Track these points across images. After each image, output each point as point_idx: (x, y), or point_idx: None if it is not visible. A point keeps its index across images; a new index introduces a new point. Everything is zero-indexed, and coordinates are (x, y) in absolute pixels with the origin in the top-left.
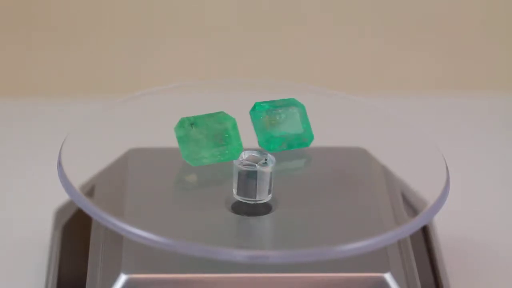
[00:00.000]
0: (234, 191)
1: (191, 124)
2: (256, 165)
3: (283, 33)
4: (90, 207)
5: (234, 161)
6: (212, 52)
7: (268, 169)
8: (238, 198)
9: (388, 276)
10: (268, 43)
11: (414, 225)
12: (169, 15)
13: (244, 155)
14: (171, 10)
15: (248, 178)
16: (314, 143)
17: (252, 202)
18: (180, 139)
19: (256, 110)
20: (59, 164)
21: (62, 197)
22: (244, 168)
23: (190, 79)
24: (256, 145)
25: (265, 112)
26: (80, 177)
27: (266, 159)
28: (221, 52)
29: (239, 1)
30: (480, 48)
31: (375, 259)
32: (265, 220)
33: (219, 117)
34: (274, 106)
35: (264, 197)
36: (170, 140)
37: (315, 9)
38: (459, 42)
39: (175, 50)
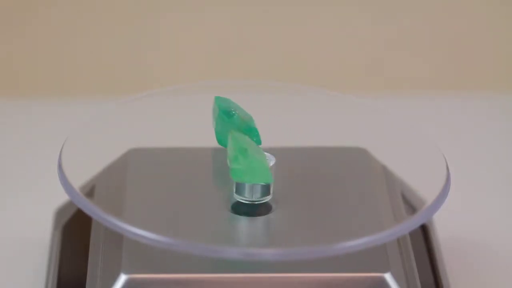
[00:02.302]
0: (244, 193)
1: (245, 150)
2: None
3: (283, 33)
4: (90, 207)
5: None
6: (212, 53)
7: (274, 166)
8: (244, 199)
9: (388, 276)
10: (268, 43)
11: (413, 222)
12: (169, 15)
13: None
14: (171, 10)
15: None
16: (314, 143)
17: (255, 202)
18: (254, 165)
19: (227, 113)
20: (59, 165)
21: (62, 197)
22: None
23: (190, 80)
24: None
25: (233, 112)
26: (80, 177)
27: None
28: (221, 53)
29: (239, 1)
30: (480, 48)
31: (375, 259)
32: (266, 220)
33: (237, 135)
34: (225, 105)
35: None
36: (170, 140)
37: (315, 9)
38: (459, 42)
39: (175, 50)
